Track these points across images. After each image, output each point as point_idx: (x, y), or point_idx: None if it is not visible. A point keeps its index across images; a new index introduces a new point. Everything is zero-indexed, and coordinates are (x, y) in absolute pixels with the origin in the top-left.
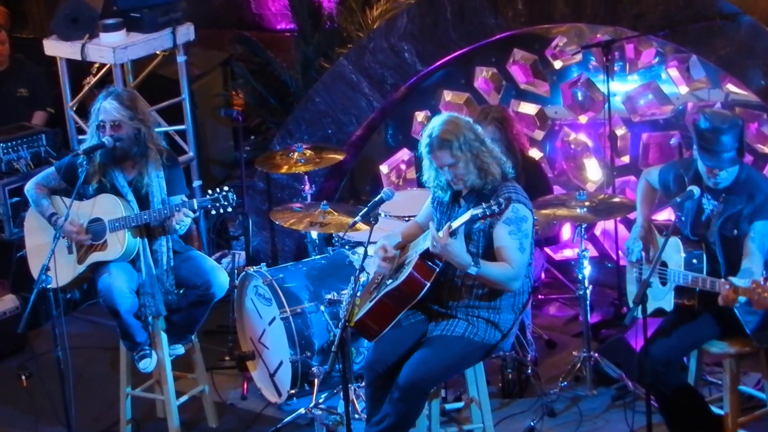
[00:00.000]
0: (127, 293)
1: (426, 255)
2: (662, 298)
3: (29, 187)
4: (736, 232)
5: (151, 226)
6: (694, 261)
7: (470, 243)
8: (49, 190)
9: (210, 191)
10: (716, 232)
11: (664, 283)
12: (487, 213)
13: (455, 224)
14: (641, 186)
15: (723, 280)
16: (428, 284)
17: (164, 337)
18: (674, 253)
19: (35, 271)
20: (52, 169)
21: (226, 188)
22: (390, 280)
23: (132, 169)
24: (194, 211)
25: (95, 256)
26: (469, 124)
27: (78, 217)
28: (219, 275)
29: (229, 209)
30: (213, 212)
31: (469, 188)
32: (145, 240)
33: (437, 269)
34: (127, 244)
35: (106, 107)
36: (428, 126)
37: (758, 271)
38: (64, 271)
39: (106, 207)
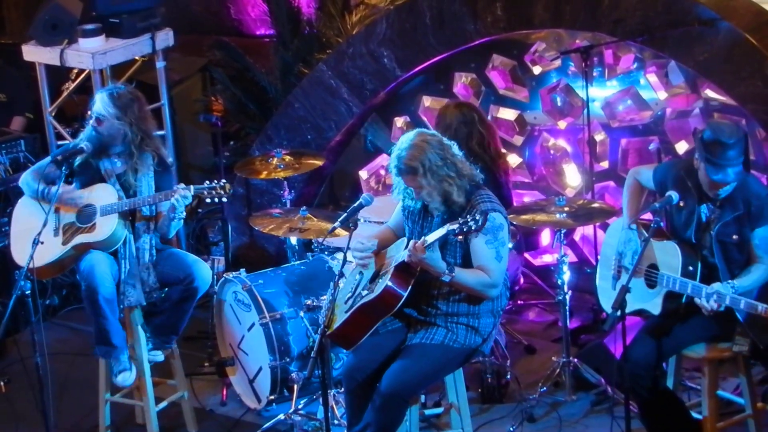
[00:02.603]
0: (108, 277)
1: (401, 267)
2: (648, 301)
3: (25, 175)
4: (736, 237)
5: (144, 213)
6: (690, 268)
7: (447, 253)
8: (43, 179)
9: (207, 181)
10: (714, 238)
11: (651, 286)
12: (464, 230)
13: (430, 239)
14: (629, 184)
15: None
16: (405, 295)
17: (143, 336)
18: (671, 257)
19: (17, 256)
20: (48, 159)
21: (223, 180)
22: (366, 291)
23: (123, 165)
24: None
25: (81, 238)
26: (436, 144)
27: (74, 202)
28: (201, 268)
29: (225, 199)
30: (208, 200)
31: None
32: (130, 234)
33: (413, 279)
34: (115, 228)
35: (97, 99)
36: (396, 146)
37: (757, 273)
38: (47, 250)
39: (102, 194)
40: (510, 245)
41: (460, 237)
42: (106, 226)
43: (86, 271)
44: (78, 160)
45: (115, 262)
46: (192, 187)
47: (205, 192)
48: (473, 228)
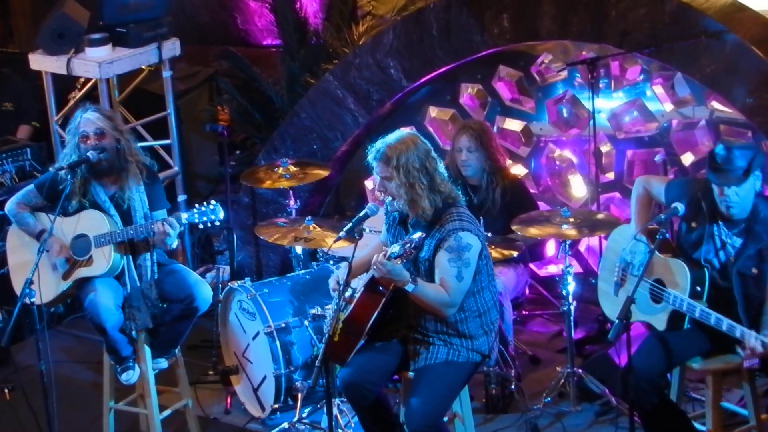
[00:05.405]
0: (113, 310)
1: (369, 283)
2: (653, 315)
3: (10, 207)
4: (755, 271)
5: (136, 240)
6: (698, 288)
7: (417, 272)
8: (30, 208)
9: (197, 205)
10: (734, 271)
11: (656, 301)
12: (400, 254)
13: (390, 250)
14: (638, 194)
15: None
16: (377, 311)
17: (148, 350)
18: (679, 276)
19: (18, 289)
20: (31, 186)
21: (213, 201)
22: (343, 314)
23: (112, 184)
24: (180, 226)
25: (81, 272)
26: (423, 151)
27: (63, 234)
28: (202, 289)
29: (217, 223)
30: (201, 226)
31: (406, 213)
32: (129, 255)
33: (385, 292)
34: (113, 259)
35: (89, 118)
36: (388, 135)
37: None
38: (49, 287)
39: (91, 223)
40: (514, 254)
41: (399, 260)
42: (104, 259)
43: (90, 309)
44: (67, 189)
45: (119, 284)
46: (182, 215)
47: (197, 219)
48: (407, 249)
